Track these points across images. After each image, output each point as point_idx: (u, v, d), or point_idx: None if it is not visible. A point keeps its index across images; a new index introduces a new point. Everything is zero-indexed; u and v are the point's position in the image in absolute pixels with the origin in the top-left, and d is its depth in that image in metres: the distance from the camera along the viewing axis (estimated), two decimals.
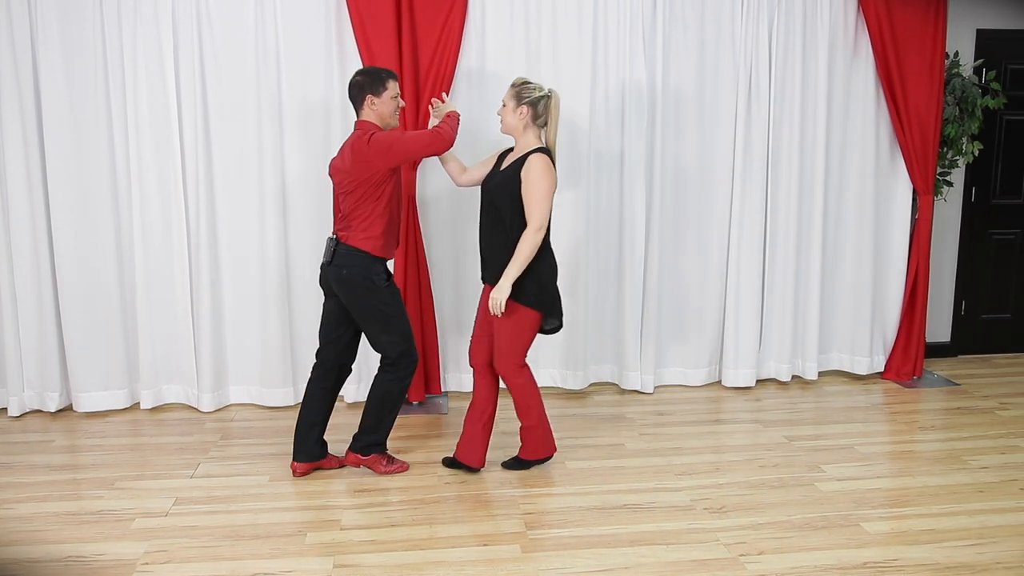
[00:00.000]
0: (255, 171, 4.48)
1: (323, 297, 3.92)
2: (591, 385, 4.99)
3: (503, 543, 3.13)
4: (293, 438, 3.77)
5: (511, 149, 3.68)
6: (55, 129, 4.32)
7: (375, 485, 3.63)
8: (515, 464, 3.82)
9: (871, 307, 5.15)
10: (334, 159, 3.64)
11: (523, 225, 3.46)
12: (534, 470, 3.79)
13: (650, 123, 4.69)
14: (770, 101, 4.80)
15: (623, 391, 4.94)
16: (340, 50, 4.44)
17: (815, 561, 2.99)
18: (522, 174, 3.45)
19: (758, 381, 5.07)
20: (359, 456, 3.74)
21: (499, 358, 3.60)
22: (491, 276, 3.58)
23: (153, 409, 4.63)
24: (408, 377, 3.67)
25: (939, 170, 5.12)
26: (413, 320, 4.57)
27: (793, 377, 5.15)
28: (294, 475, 3.73)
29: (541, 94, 3.53)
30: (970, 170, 5.48)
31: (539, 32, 4.59)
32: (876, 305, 5.18)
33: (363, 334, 3.70)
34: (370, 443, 3.73)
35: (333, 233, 3.64)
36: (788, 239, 4.92)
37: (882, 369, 5.24)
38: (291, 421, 4.44)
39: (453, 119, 3.65)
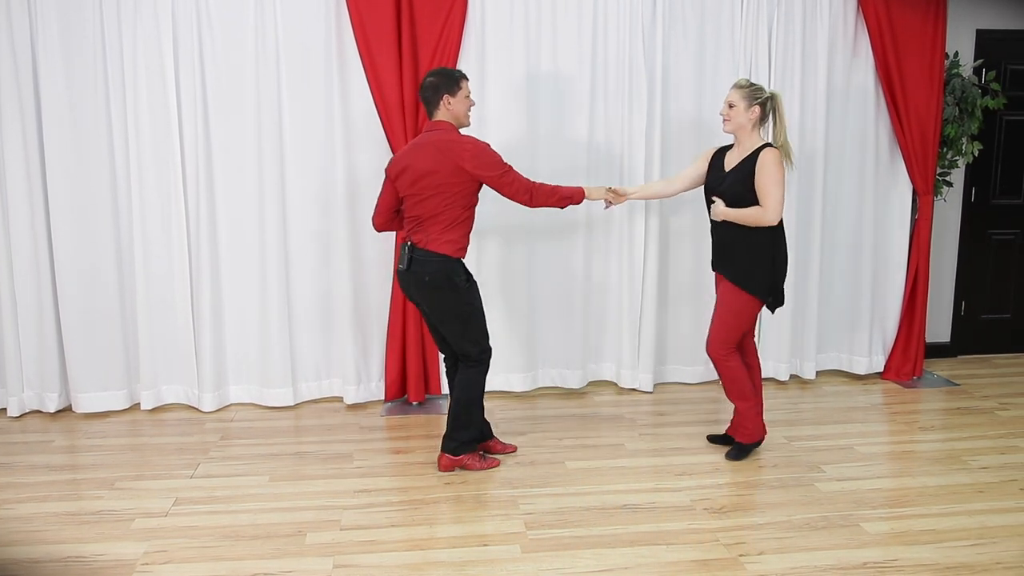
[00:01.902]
0: (255, 171, 4.48)
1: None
2: (590, 384, 4.99)
3: (503, 543, 3.12)
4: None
5: (726, 148, 3.87)
6: (55, 129, 4.32)
7: (375, 486, 3.63)
8: (738, 452, 3.94)
9: (870, 307, 5.15)
10: (404, 161, 3.57)
11: None
12: (535, 470, 3.79)
13: (650, 123, 4.68)
14: None
15: (622, 390, 4.94)
16: (340, 50, 4.44)
17: (815, 561, 2.99)
18: (757, 167, 3.65)
19: None
20: (451, 457, 3.77)
21: (713, 340, 3.80)
22: (728, 271, 3.78)
23: (153, 409, 4.63)
24: (487, 371, 3.76)
25: (939, 170, 5.12)
26: (415, 320, 4.57)
27: (791, 377, 5.16)
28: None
29: (768, 95, 3.71)
30: (970, 170, 5.48)
31: (539, 33, 4.59)
32: (875, 305, 5.18)
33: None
34: (464, 441, 3.76)
35: (406, 239, 3.64)
36: (787, 238, 4.91)
37: (881, 369, 5.24)
38: (291, 421, 4.46)
39: (574, 194, 3.72)
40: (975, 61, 5.26)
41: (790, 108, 4.80)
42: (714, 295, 4.64)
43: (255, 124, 4.44)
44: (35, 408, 4.58)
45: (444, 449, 3.78)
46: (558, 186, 3.71)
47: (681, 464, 3.87)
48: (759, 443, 3.98)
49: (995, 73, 5.14)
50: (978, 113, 5.01)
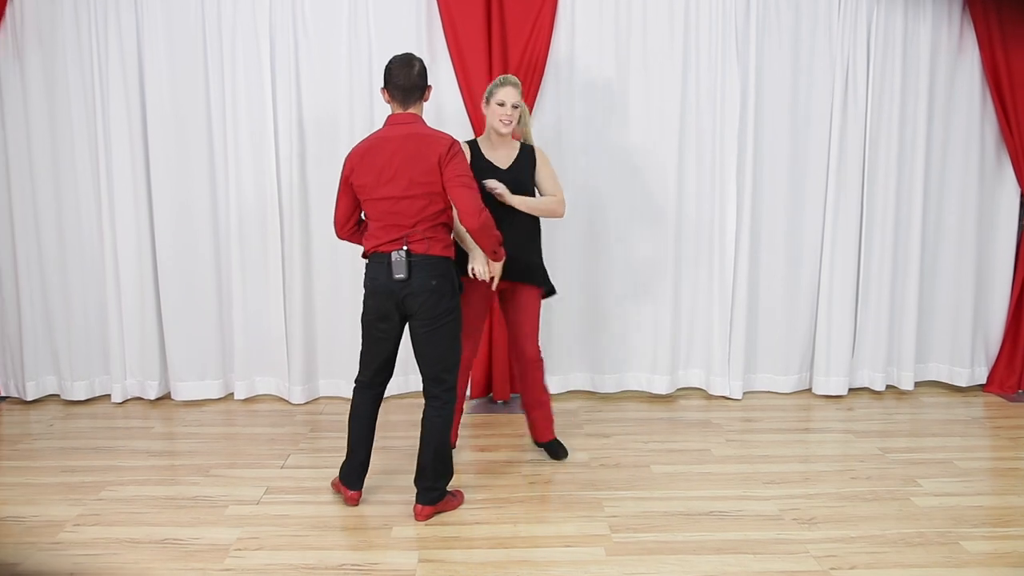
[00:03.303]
0: None
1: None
2: (678, 390, 4.92)
3: (587, 545, 3.11)
4: (353, 464, 3.42)
5: (472, 143, 3.73)
6: (159, 130, 4.52)
7: (460, 483, 3.64)
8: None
9: (973, 316, 4.94)
10: (375, 162, 3.17)
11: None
12: (620, 472, 3.76)
13: (742, 122, 4.59)
14: (867, 103, 4.65)
15: (710, 396, 4.86)
16: (431, 53, 4.50)
17: None
18: (540, 163, 3.75)
19: (850, 390, 4.93)
20: (433, 507, 3.32)
21: (536, 343, 3.81)
22: (534, 276, 3.76)
23: (246, 400, 4.77)
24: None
25: None
26: (501, 319, 4.59)
27: (888, 387, 4.99)
28: (351, 504, 3.44)
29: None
30: None
31: (629, 35, 4.55)
32: (978, 314, 4.97)
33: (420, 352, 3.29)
34: (446, 486, 3.39)
35: (398, 246, 3.18)
36: (885, 243, 4.76)
37: (984, 381, 5.02)
38: (380, 416, 4.50)
39: (495, 240, 3.30)
40: None
41: (889, 110, 4.65)
42: (813, 306, 4.53)
43: (348, 124, 4.54)
44: (136, 395, 4.77)
45: (426, 501, 3.29)
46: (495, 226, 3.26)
47: (769, 472, 3.79)
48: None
49: None
50: None
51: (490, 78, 4.42)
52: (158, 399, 4.78)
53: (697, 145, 4.66)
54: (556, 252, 4.69)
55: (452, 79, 4.48)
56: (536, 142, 4.08)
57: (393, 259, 3.16)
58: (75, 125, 4.53)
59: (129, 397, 4.78)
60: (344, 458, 3.46)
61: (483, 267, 3.43)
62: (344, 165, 3.27)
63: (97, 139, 4.52)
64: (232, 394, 4.82)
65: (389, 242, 3.19)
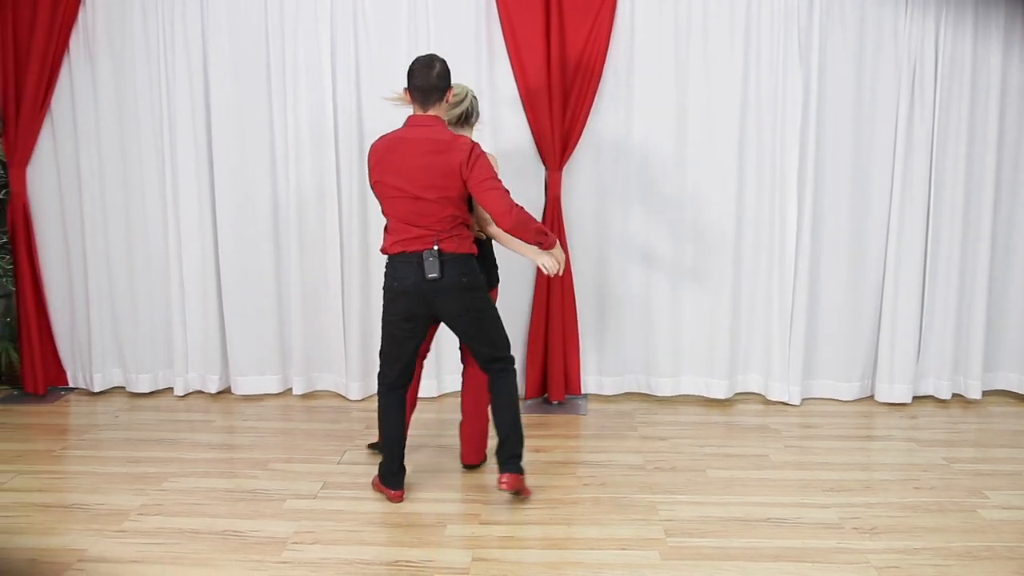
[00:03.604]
0: None
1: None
2: (736, 395, 4.85)
3: (641, 548, 3.08)
4: (392, 466, 3.46)
5: None
6: (222, 128, 4.61)
7: None
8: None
9: None
10: (393, 162, 3.19)
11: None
12: (676, 476, 3.72)
13: (804, 123, 4.49)
14: (935, 102, 4.52)
15: (768, 402, 4.77)
16: (490, 51, 4.51)
17: None
18: None
19: (914, 398, 4.79)
20: (521, 475, 3.42)
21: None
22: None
23: (304, 395, 4.84)
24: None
25: None
26: (555, 321, 4.58)
27: (954, 395, 4.84)
28: (396, 501, 3.49)
29: None
30: None
31: (689, 33, 4.50)
32: None
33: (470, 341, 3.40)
34: (521, 455, 3.48)
35: (427, 245, 3.20)
36: (952, 247, 4.63)
37: None
38: (435, 414, 4.55)
39: (548, 232, 3.32)
40: None
41: (959, 104, 4.53)
42: (877, 311, 4.44)
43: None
44: (198, 388, 4.88)
45: (514, 469, 3.39)
46: (533, 217, 3.25)
47: (829, 479, 3.71)
48: None
49: None
50: None
51: (548, 77, 4.41)
52: (219, 393, 4.87)
53: (757, 146, 4.58)
54: (611, 254, 4.67)
55: (511, 78, 4.48)
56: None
57: (426, 259, 3.20)
58: (142, 126, 4.66)
59: (191, 390, 4.88)
60: (381, 459, 3.50)
61: (551, 262, 3.38)
62: (368, 159, 3.30)
63: (163, 139, 4.64)
64: (291, 389, 4.89)
65: (414, 239, 3.23)
